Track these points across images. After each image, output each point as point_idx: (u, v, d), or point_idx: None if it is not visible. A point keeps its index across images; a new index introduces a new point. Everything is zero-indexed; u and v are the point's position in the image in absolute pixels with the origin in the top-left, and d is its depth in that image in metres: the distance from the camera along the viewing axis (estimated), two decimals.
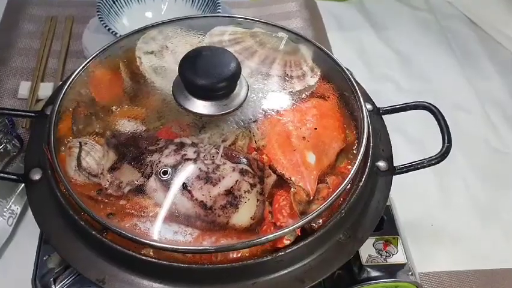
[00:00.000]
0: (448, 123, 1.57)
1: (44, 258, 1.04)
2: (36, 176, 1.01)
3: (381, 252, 1.06)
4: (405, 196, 1.24)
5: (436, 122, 1.11)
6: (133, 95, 1.12)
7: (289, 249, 0.88)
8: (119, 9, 1.64)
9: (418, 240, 1.20)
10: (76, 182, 0.98)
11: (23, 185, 1.29)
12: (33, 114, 1.14)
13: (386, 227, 1.11)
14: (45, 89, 1.55)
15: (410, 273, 1.05)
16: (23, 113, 1.16)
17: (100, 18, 1.53)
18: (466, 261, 1.27)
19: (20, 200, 1.29)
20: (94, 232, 0.89)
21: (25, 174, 1.02)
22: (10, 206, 1.27)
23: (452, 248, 1.30)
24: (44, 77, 1.62)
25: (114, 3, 1.63)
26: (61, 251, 0.94)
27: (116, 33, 1.48)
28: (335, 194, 0.91)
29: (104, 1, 1.60)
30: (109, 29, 1.49)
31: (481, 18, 1.84)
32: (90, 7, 1.81)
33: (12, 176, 1.03)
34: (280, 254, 0.87)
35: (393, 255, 1.06)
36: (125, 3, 1.66)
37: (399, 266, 1.05)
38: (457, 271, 1.25)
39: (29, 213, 1.29)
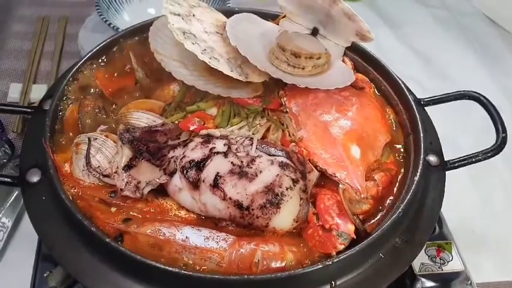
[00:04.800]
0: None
1: (44, 275, 0.88)
2: (35, 177, 0.86)
3: (434, 260, 0.93)
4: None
5: (487, 113, 0.99)
6: (147, 86, 0.99)
7: (343, 256, 0.74)
8: (119, 6, 1.52)
9: (461, 248, 1.06)
10: (85, 184, 0.84)
11: (15, 195, 1.14)
12: (29, 110, 0.99)
13: (436, 231, 0.98)
14: (38, 91, 1.40)
15: (469, 282, 0.92)
16: (17, 109, 1.02)
17: (99, 12, 1.40)
18: None
19: (11, 212, 1.13)
20: (107, 240, 0.75)
21: (21, 176, 0.87)
22: (0, 219, 1.11)
23: (498, 256, 1.17)
24: (36, 79, 1.47)
25: None
26: (66, 263, 0.78)
27: (117, 28, 1.36)
28: (403, 191, 0.81)
29: None
30: (109, 24, 1.36)
31: (500, 16, 1.77)
32: (84, 7, 1.68)
33: (6, 179, 0.89)
34: (334, 261, 0.73)
35: (448, 262, 0.93)
36: None
37: (456, 274, 0.93)
38: (509, 281, 1.12)
39: (22, 226, 1.13)
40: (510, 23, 1.74)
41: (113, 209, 0.81)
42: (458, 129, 1.42)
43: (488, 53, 1.69)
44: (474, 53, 1.68)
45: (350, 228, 0.77)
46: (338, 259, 0.73)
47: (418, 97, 1.10)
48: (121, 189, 0.80)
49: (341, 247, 0.75)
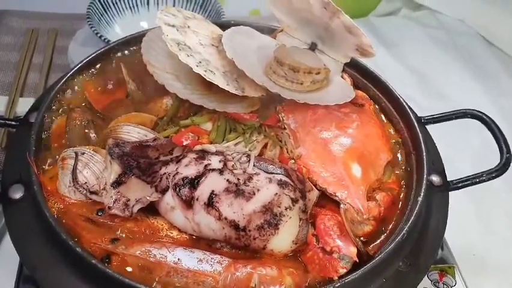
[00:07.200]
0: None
1: None
2: (17, 194, 0.81)
3: (437, 284, 0.89)
4: None
5: (490, 133, 0.96)
6: (139, 99, 0.95)
7: (345, 280, 0.70)
8: (110, 18, 1.49)
9: (462, 271, 1.02)
10: (71, 201, 0.79)
11: None
12: (14, 123, 0.94)
13: (439, 254, 0.94)
14: (25, 105, 1.35)
15: None
16: (1, 121, 0.96)
17: (90, 25, 1.36)
18: None
19: None
20: (93, 261, 0.70)
21: (3, 192, 0.81)
22: None
23: (501, 281, 1.13)
24: (23, 92, 1.42)
25: (105, 11, 1.48)
26: (48, 286, 0.73)
27: (108, 41, 1.32)
28: (407, 212, 0.77)
29: (94, 9, 1.44)
30: (100, 36, 1.33)
31: (494, 36, 1.76)
32: (75, 20, 1.66)
33: None
34: (335, 285, 0.69)
35: (451, 287, 0.89)
36: (118, 12, 1.51)
37: None
38: None
39: (4, 245, 1.07)
40: (505, 43, 1.74)
41: (99, 228, 0.76)
42: (456, 149, 1.39)
43: (484, 73, 1.67)
44: (470, 72, 1.66)
45: (352, 251, 0.72)
46: (339, 284, 0.69)
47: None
48: (109, 207, 0.75)
49: (343, 271, 0.71)
